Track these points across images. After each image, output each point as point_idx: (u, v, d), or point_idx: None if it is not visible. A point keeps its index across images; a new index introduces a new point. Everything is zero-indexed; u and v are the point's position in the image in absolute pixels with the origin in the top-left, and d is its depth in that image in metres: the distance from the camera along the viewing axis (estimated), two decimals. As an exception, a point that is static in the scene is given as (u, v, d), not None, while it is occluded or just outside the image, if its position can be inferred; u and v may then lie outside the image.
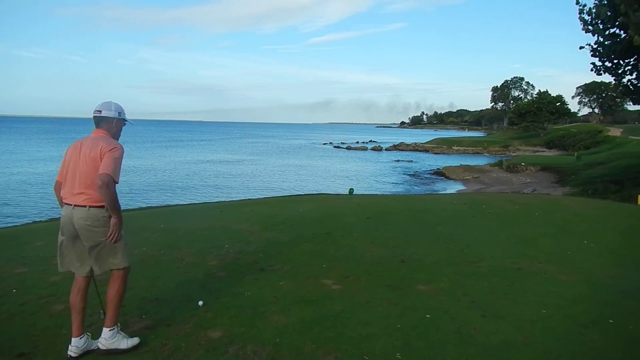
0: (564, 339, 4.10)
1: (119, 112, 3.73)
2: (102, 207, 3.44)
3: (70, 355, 3.47)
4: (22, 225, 10.66)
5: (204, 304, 4.58)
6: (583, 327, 4.36)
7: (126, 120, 3.85)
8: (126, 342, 3.63)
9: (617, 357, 3.86)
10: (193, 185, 28.49)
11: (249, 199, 14.43)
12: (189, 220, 8.99)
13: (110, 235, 3.48)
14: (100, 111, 3.66)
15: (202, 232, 7.74)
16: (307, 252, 6.65)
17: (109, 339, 3.57)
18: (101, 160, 3.40)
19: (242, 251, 6.60)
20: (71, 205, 3.47)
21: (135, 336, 3.77)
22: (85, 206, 3.43)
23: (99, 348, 3.57)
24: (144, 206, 14.97)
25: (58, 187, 3.68)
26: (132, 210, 12.44)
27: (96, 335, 3.67)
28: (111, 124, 3.70)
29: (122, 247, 3.60)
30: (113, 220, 3.49)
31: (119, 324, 3.68)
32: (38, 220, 11.33)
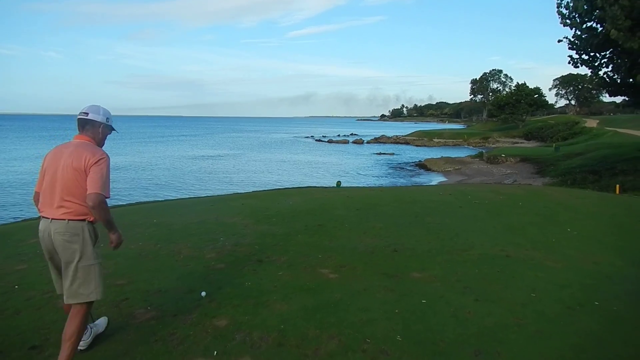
0: (554, 320, 4.33)
1: (107, 118, 3.46)
2: (83, 220, 3.25)
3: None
4: (13, 222, 10.59)
5: (206, 294, 4.70)
6: (571, 309, 4.60)
7: (113, 129, 3.58)
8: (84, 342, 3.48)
9: (603, 335, 4.08)
10: (178, 180, 28.42)
11: (238, 193, 14.51)
12: (182, 214, 9.05)
13: (115, 246, 3.44)
14: (87, 113, 3.37)
15: (196, 226, 7.82)
16: (302, 244, 6.78)
17: None
18: (86, 173, 3.17)
19: (238, 244, 6.70)
20: (49, 219, 3.22)
21: (143, 327, 3.89)
22: (64, 220, 3.18)
23: None
24: (133, 202, 14.92)
25: (37, 198, 3.40)
26: (122, 206, 12.43)
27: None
28: (97, 130, 3.42)
29: (97, 276, 3.31)
30: (112, 237, 3.41)
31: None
32: (29, 217, 11.24)
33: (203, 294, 4.71)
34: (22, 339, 3.75)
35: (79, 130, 3.40)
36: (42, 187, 3.31)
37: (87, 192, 3.14)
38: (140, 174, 30.67)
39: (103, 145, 3.50)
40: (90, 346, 3.60)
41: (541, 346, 3.80)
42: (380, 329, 4.02)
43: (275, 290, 4.88)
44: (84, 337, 3.49)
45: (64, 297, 3.30)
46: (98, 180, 3.16)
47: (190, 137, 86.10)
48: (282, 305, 4.49)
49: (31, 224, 8.71)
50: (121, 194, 20.31)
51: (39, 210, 3.34)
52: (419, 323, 4.15)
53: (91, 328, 3.64)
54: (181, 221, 8.27)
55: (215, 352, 3.56)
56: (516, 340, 3.89)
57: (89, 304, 3.34)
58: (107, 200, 3.23)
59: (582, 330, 4.15)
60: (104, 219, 3.24)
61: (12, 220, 12.17)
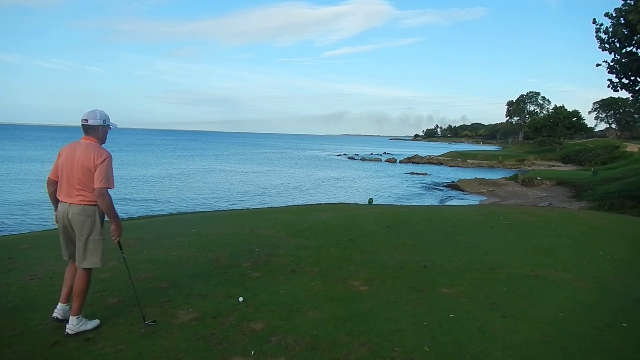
0: (580, 339, 4.42)
1: (104, 120, 4.15)
2: (95, 205, 4.02)
3: (56, 317, 4.16)
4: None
5: (243, 300, 4.97)
6: (598, 330, 4.67)
7: (110, 126, 4.26)
8: (89, 324, 4.13)
9: (629, 356, 4.16)
10: (213, 194, 29.08)
11: (271, 207, 14.88)
12: (218, 225, 9.42)
13: (114, 238, 4.15)
14: (87, 120, 4.09)
15: (233, 237, 8.15)
16: (334, 257, 7.01)
17: (76, 325, 4.04)
18: (94, 170, 3.95)
19: (272, 254, 6.99)
20: (67, 203, 4.03)
21: (185, 327, 4.21)
22: (81, 204, 4.00)
23: (68, 334, 4.00)
24: (173, 212, 15.46)
25: (50, 182, 4.18)
26: (161, 216, 12.93)
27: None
28: (97, 131, 4.14)
29: (102, 248, 4.12)
30: (112, 227, 4.09)
31: (82, 313, 4.12)
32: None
33: (240, 299, 4.98)
34: (77, 332, 4.09)
35: (84, 133, 4.13)
36: (57, 176, 4.11)
37: (94, 186, 3.95)
38: (177, 186, 31.53)
39: (105, 141, 4.24)
40: (139, 341, 3.91)
41: (565, 362, 3.91)
42: (409, 339, 4.20)
43: (308, 299, 5.12)
44: (87, 326, 4.11)
45: (77, 262, 4.10)
46: (102, 177, 3.95)
47: (225, 152, 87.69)
48: (315, 313, 4.73)
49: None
50: (162, 205, 21.07)
51: (50, 193, 4.19)
52: (446, 335, 4.31)
53: (88, 322, 4.19)
54: (218, 232, 8.62)
55: (253, 352, 3.82)
56: (540, 356, 4.01)
57: (91, 269, 4.16)
58: (110, 190, 4.02)
59: (607, 349, 4.23)
60: (106, 209, 4.00)
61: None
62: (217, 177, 39.97)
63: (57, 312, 4.19)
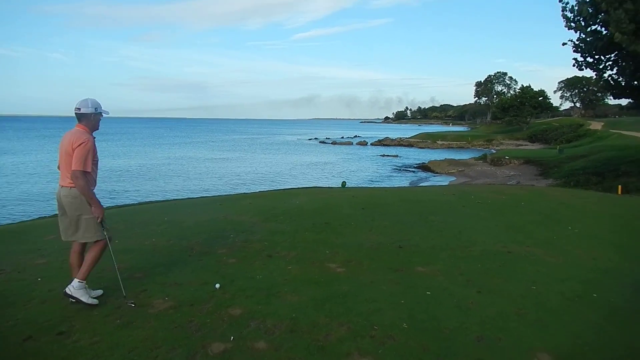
0: (553, 310, 4.54)
1: (95, 108, 4.41)
2: None
3: (65, 292, 4.34)
4: (29, 220, 10.85)
5: (220, 286, 4.91)
6: (570, 301, 4.81)
7: (102, 113, 4.51)
8: (87, 297, 4.35)
9: (600, 324, 4.29)
10: (184, 181, 28.69)
11: (245, 193, 14.75)
12: (191, 213, 9.29)
13: (97, 218, 4.34)
14: (79, 109, 4.35)
15: (207, 224, 8.05)
16: (310, 240, 7.00)
17: (77, 288, 4.31)
18: (72, 153, 4.19)
19: (247, 240, 6.93)
20: (60, 186, 4.35)
21: (162, 316, 4.14)
22: (68, 187, 4.28)
23: (65, 293, 4.33)
24: (144, 201, 15.18)
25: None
26: (133, 205, 12.68)
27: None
28: (89, 119, 4.40)
29: (94, 225, 4.37)
30: (92, 209, 4.31)
31: (86, 282, 4.39)
32: (43, 215, 11.51)
33: (217, 286, 4.92)
34: (50, 325, 3.98)
35: (77, 121, 4.39)
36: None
37: (71, 169, 4.19)
38: (146, 174, 30.97)
39: (97, 128, 4.52)
40: (115, 332, 3.83)
41: (540, 333, 4.02)
42: (387, 317, 4.23)
43: (286, 283, 5.10)
44: (84, 298, 4.33)
45: (77, 240, 4.44)
46: (78, 160, 4.18)
47: (195, 139, 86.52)
48: (293, 296, 4.71)
49: (47, 222, 8.99)
50: (133, 193, 20.68)
51: None
52: (423, 312, 4.36)
53: (88, 294, 4.42)
54: (191, 219, 8.50)
55: (232, 337, 3.79)
56: (517, 328, 4.10)
57: (100, 242, 4.42)
58: (85, 173, 4.22)
59: (580, 319, 4.36)
60: (81, 190, 4.22)
61: (28, 218, 12.45)
62: (188, 165, 39.42)
63: (69, 288, 4.37)
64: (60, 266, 5.58)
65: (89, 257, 4.41)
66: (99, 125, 4.54)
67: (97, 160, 4.51)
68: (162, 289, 4.86)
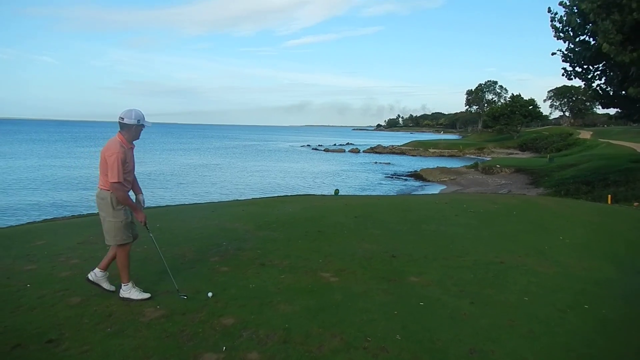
0: (545, 321, 4.56)
1: (138, 120, 4.63)
2: (108, 190, 4.51)
3: (88, 278, 4.77)
4: (18, 225, 10.72)
5: (213, 295, 4.88)
6: (561, 312, 4.84)
7: (144, 125, 4.75)
8: (137, 294, 4.69)
9: (591, 335, 4.31)
10: (176, 187, 28.57)
11: (237, 200, 14.69)
12: (183, 220, 9.22)
13: (142, 222, 4.78)
14: (122, 118, 4.58)
15: (199, 231, 8.00)
16: (303, 249, 6.98)
17: (125, 291, 4.68)
18: (106, 162, 4.45)
19: (240, 248, 6.89)
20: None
21: (153, 324, 4.10)
22: (99, 188, 4.58)
23: (119, 296, 4.69)
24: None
25: None
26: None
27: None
28: (130, 129, 4.63)
29: (113, 229, 4.58)
30: (135, 215, 4.72)
31: (131, 282, 4.73)
32: (33, 220, 11.38)
33: (210, 294, 4.89)
34: (39, 333, 3.93)
35: (119, 128, 4.62)
36: None
37: (109, 181, 4.47)
38: (145, 180, 30.77)
39: (137, 138, 4.77)
40: (105, 341, 3.79)
41: (532, 345, 4.03)
42: (380, 328, 4.22)
43: (279, 292, 5.08)
44: (134, 295, 4.69)
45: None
46: (112, 171, 4.42)
47: (186, 146, 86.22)
48: (286, 306, 4.69)
49: (37, 227, 8.89)
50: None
51: None
52: (416, 323, 4.36)
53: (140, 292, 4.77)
54: (183, 226, 8.45)
55: (224, 348, 3.76)
56: (509, 340, 4.11)
57: (121, 245, 4.66)
58: (120, 183, 4.46)
59: (571, 330, 4.39)
60: (121, 200, 4.53)
61: (16, 224, 12.29)
62: (179, 171, 39.28)
63: (91, 274, 4.79)
64: (50, 272, 5.53)
65: (117, 262, 4.71)
66: (139, 135, 4.79)
67: (131, 169, 4.71)
68: (153, 297, 4.81)
